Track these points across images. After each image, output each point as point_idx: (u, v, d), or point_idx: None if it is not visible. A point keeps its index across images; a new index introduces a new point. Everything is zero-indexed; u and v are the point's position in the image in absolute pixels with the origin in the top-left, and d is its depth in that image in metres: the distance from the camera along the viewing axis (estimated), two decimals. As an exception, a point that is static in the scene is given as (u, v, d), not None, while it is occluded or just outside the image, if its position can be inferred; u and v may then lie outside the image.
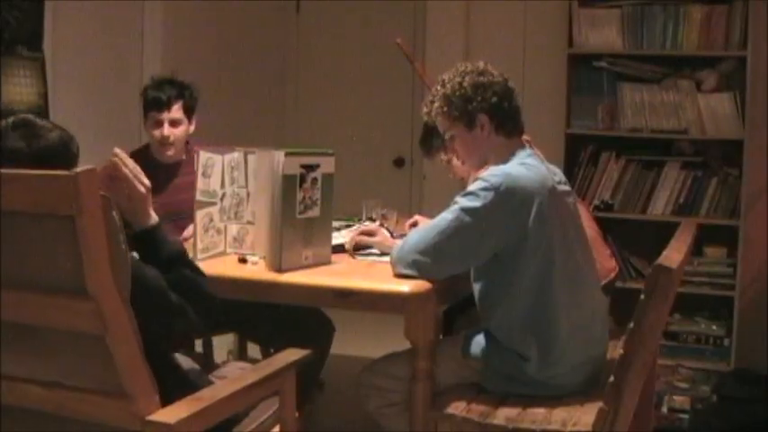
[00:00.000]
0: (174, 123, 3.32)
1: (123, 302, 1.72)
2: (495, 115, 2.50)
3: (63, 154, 1.87)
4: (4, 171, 1.70)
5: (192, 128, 3.40)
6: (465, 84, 2.49)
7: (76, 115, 3.56)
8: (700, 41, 4.08)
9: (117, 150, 2.03)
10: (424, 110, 2.62)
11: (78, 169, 1.60)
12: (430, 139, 3.36)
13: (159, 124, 3.31)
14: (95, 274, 1.66)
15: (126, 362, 1.74)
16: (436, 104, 2.54)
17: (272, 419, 2.26)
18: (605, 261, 3.05)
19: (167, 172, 3.35)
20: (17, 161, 1.80)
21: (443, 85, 2.53)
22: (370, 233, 2.89)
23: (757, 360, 3.88)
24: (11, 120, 1.90)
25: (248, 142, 2.93)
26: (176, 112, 3.32)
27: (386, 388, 2.53)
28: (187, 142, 3.40)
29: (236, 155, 2.82)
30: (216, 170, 2.74)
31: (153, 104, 3.31)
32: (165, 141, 3.31)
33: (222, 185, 2.77)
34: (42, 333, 1.79)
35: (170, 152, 3.34)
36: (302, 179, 2.54)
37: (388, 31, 5.28)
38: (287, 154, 2.49)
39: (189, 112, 3.37)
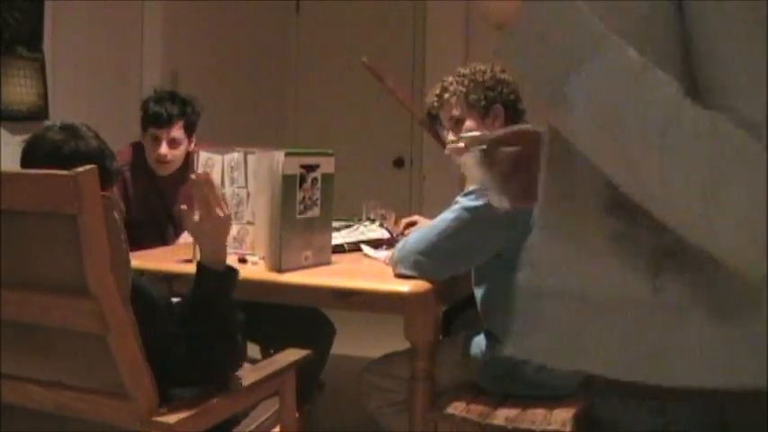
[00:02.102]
0: (173, 143, 3.19)
1: (124, 302, 1.72)
2: (510, 110, 2.56)
3: (96, 163, 1.86)
4: (6, 171, 1.71)
5: (192, 145, 3.26)
6: (487, 75, 2.58)
7: (76, 116, 3.52)
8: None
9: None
10: (435, 91, 2.66)
11: (80, 169, 1.61)
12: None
13: (158, 142, 3.18)
14: (96, 274, 1.66)
15: (126, 361, 1.74)
16: (452, 87, 2.59)
17: (273, 420, 2.26)
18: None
19: (164, 180, 3.29)
20: (49, 157, 1.84)
21: (460, 75, 2.61)
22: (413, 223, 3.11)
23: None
24: (62, 122, 1.99)
25: (248, 142, 2.93)
26: (177, 130, 3.18)
27: (386, 388, 2.53)
28: (188, 154, 3.26)
29: (236, 155, 2.82)
30: (216, 170, 2.74)
31: (153, 120, 3.17)
32: (161, 160, 3.20)
33: (222, 185, 2.76)
34: (43, 332, 1.79)
35: (166, 172, 3.24)
36: (302, 179, 2.53)
37: (389, 32, 5.29)
38: (287, 154, 2.49)
39: (189, 129, 3.24)
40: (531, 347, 1.03)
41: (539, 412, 2.33)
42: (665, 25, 0.85)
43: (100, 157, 1.89)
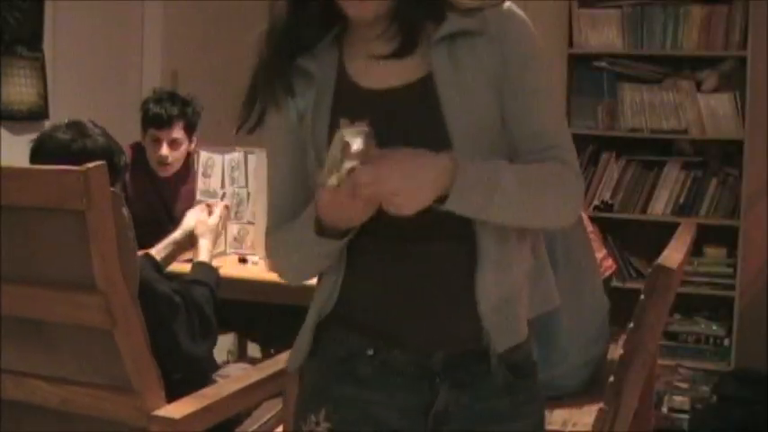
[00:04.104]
0: (173, 144, 3.17)
1: (131, 297, 1.72)
2: None
3: (103, 160, 1.86)
4: (15, 167, 1.72)
5: (194, 145, 3.24)
6: None
7: (76, 115, 3.53)
8: (700, 41, 4.08)
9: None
10: None
11: (89, 165, 1.61)
12: None
13: (158, 143, 3.17)
14: (104, 269, 1.66)
15: (132, 356, 1.74)
16: None
17: (275, 419, 2.26)
18: (603, 260, 3.06)
19: (165, 180, 3.28)
20: (57, 155, 1.85)
21: None
22: None
23: (757, 360, 3.88)
24: (68, 119, 2.01)
25: (248, 142, 2.93)
26: (177, 131, 3.16)
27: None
28: (188, 154, 3.26)
29: (237, 155, 2.82)
30: (216, 170, 2.74)
31: (153, 121, 3.16)
32: (162, 161, 3.18)
33: (222, 185, 2.77)
34: (49, 328, 1.80)
35: (167, 173, 3.22)
36: (304, 178, 2.53)
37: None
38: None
39: (190, 129, 3.22)
40: None
41: (540, 412, 2.33)
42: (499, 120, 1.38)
43: (108, 153, 1.90)
